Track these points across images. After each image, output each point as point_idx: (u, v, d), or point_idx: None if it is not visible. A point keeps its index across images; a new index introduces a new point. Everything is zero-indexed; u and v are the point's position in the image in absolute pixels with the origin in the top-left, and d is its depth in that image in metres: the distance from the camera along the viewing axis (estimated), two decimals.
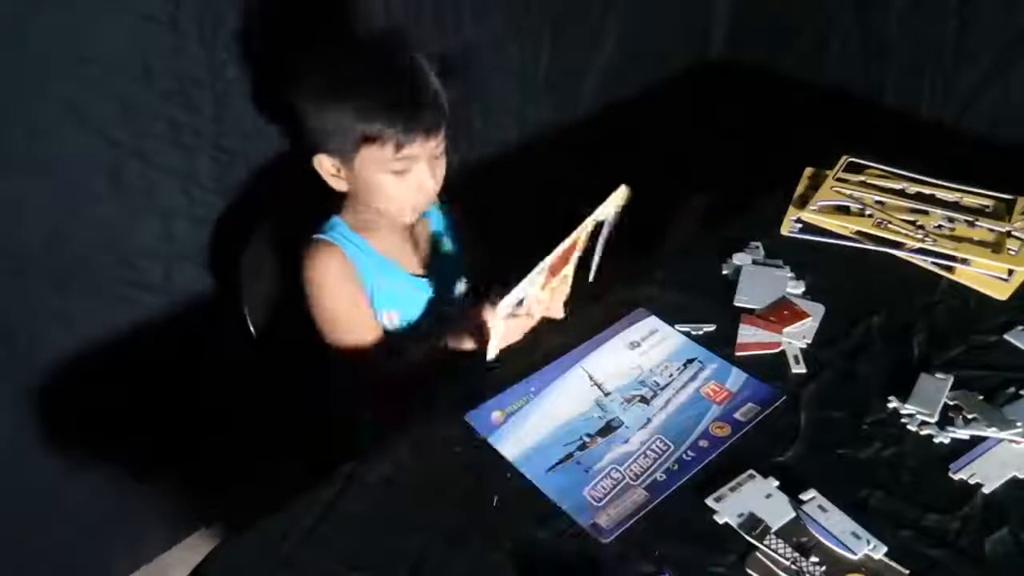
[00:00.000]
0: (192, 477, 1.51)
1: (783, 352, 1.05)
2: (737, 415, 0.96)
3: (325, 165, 1.10)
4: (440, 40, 1.46)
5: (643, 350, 1.06)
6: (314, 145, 1.09)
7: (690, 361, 1.04)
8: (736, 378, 1.01)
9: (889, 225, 1.24)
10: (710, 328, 1.08)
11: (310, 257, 1.13)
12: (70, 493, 1.35)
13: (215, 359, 1.37)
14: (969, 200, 1.29)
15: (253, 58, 1.22)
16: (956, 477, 0.89)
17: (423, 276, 1.21)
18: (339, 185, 1.12)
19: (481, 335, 1.01)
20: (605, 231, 1.05)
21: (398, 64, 1.07)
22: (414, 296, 1.20)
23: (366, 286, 1.15)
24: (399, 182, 1.09)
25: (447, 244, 1.25)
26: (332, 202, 1.17)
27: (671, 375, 1.02)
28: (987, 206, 1.28)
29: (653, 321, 1.10)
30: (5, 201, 1.10)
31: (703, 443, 0.93)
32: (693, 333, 1.08)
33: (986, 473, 0.89)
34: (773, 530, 0.83)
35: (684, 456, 0.92)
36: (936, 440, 0.93)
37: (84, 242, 1.19)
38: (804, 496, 0.86)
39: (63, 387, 1.26)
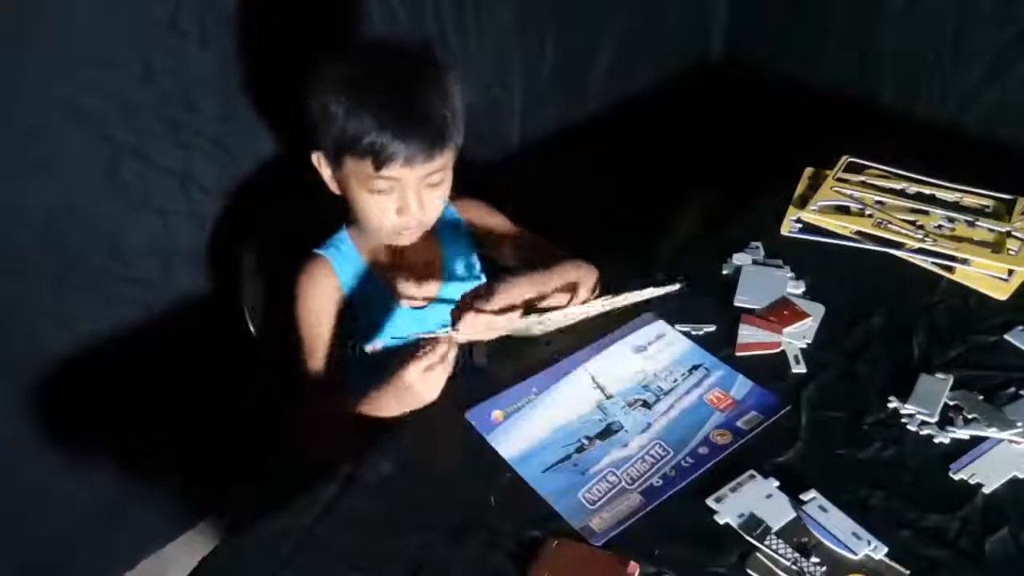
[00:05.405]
0: (192, 476, 1.51)
1: (783, 352, 1.05)
2: (740, 423, 0.95)
3: (323, 165, 1.08)
4: (441, 39, 1.46)
5: (649, 354, 1.05)
6: (310, 141, 1.06)
7: (695, 367, 1.03)
8: (741, 386, 1.00)
9: (889, 225, 1.24)
10: (710, 328, 1.08)
11: (302, 270, 1.11)
12: (69, 490, 1.36)
13: (215, 358, 1.37)
14: (969, 200, 1.29)
15: (253, 58, 1.22)
16: (956, 477, 0.89)
17: (421, 308, 1.15)
18: (335, 188, 1.09)
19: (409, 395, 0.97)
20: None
21: (403, 79, 1.00)
22: (406, 328, 1.13)
23: (349, 313, 1.12)
24: (380, 201, 1.04)
25: (458, 269, 1.19)
26: (340, 209, 1.13)
27: (675, 380, 1.01)
28: (987, 206, 1.28)
29: (660, 325, 1.09)
30: (4, 200, 1.10)
31: (703, 450, 0.92)
32: (693, 333, 1.08)
33: (986, 473, 0.89)
34: (774, 530, 0.83)
35: (683, 462, 0.91)
36: (936, 440, 0.93)
37: (83, 241, 1.19)
38: (804, 496, 0.86)
39: (61, 385, 1.26)
